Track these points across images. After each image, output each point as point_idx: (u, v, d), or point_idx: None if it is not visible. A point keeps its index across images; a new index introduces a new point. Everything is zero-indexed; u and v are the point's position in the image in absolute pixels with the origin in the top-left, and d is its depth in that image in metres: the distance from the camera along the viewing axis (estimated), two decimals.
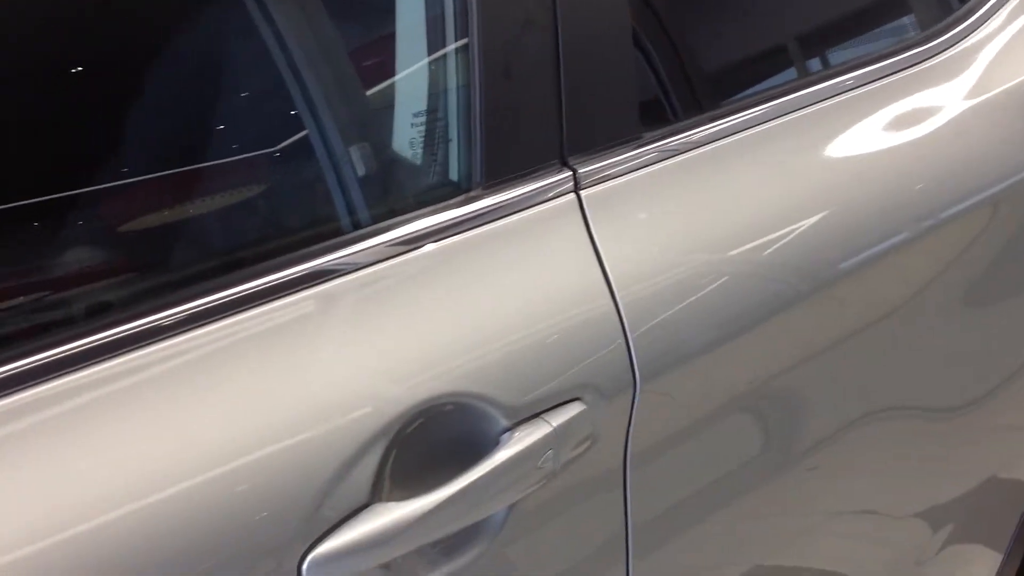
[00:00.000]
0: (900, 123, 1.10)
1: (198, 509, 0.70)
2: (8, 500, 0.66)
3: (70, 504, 0.67)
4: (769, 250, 0.97)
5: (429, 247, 0.83)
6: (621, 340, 0.87)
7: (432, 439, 0.79)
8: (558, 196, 0.89)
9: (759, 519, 1.10)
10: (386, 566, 0.78)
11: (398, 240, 0.82)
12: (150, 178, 0.83)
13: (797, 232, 0.99)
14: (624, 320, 0.87)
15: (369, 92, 0.94)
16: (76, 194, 0.80)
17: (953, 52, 1.16)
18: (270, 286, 0.77)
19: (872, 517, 1.29)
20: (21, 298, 0.77)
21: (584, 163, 0.90)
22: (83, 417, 0.70)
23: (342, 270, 0.80)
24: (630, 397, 0.88)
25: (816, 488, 1.16)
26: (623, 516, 0.92)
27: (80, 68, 0.82)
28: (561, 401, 0.84)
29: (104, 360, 0.71)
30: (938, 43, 1.15)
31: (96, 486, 0.68)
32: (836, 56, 1.17)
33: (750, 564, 1.12)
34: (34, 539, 0.66)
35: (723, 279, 0.94)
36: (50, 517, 0.66)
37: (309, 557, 0.73)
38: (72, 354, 0.71)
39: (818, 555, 1.23)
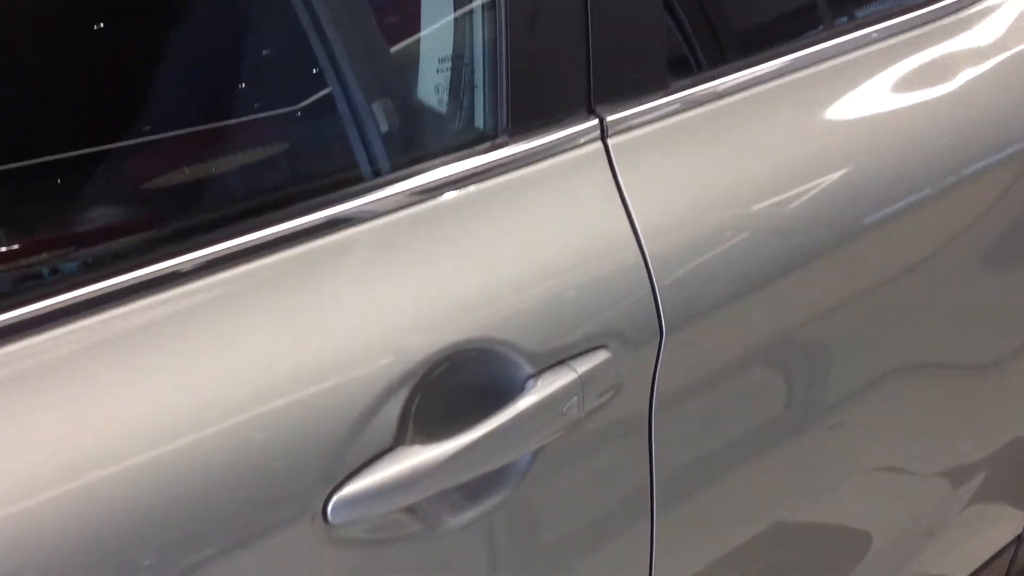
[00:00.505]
0: (926, 76, 1.09)
1: (224, 453, 0.70)
2: (28, 442, 0.66)
3: (92, 449, 0.67)
4: (793, 204, 0.96)
5: (455, 194, 0.83)
6: (647, 290, 0.87)
7: (457, 384, 0.79)
8: (585, 144, 0.88)
9: (781, 475, 1.10)
10: (411, 509, 0.78)
11: (424, 187, 0.82)
12: (169, 125, 0.83)
13: (821, 186, 0.98)
14: (651, 269, 0.87)
15: (394, 38, 0.93)
16: (95, 142, 0.80)
17: (980, 6, 1.14)
18: (293, 232, 0.77)
19: (895, 475, 1.29)
20: (36, 241, 0.77)
21: (611, 111, 0.89)
22: (103, 360, 0.70)
23: (366, 217, 0.79)
24: (656, 346, 0.88)
25: (839, 445, 1.16)
26: (648, 465, 0.92)
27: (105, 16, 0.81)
28: (586, 349, 0.84)
29: (123, 304, 0.71)
30: None
31: (117, 431, 0.68)
32: (862, 8, 1.15)
33: (771, 520, 1.12)
34: (56, 484, 0.66)
35: (748, 231, 0.93)
36: (77, 460, 0.67)
37: (334, 499, 0.73)
38: (91, 297, 0.70)
39: (840, 512, 1.23)
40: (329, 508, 0.73)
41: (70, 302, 0.69)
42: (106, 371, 0.69)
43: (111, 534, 0.66)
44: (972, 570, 1.45)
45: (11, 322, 0.68)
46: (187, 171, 0.83)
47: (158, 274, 0.72)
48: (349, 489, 0.74)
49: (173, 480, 0.68)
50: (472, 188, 0.83)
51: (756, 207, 0.94)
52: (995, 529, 1.49)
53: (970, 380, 1.32)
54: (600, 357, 0.84)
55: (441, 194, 0.82)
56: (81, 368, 0.69)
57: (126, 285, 0.71)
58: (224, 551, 0.70)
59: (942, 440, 1.33)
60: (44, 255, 0.75)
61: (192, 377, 0.71)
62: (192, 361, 0.71)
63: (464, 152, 0.85)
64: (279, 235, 0.76)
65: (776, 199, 0.96)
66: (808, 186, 0.98)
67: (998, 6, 1.16)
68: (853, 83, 1.04)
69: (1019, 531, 1.52)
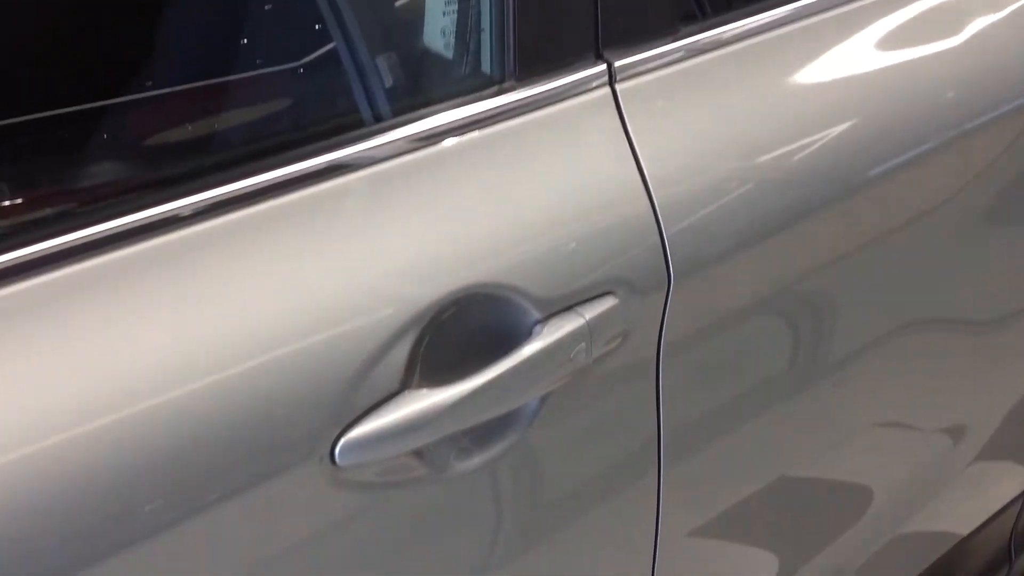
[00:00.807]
0: (935, 26, 1.08)
1: (233, 397, 0.69)
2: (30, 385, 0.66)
3: (97, 392, 0.67)
4: (799, 155, 0.96)
5: (462, 138, 0.82)
6: (656, 238, 0.86)
7: (464, 329, 0.79)
8: (593, 89, 0.87)
9: (785, 429, 1.10)
10: (418, 453, 0.78)
11: (430, 132, 0.81)
12: (167, 70, 0.83)
13: (827, 138, 0.98)
14: (659, 217, 0.86)
15: None
16: (92, 87, 0.79)
17: None
18: (300, 176, 0.76)
19: (899, 431, 1.29)
20: (37, 184, 0.76)
21: (620, 56, 0.88)
22: (110, 303, 0.69)
23: (369, 162, 0.79)
24: (664, 294, 0.87)
25: (842, 400, 1.16)
26: (655, 413, 0.92)
27: None
28: (594, 295, 0.84)
29: (122, 248, 0.70)
30: None
31: (126, 376, 0.67)
32: None
33: (775, 475, 1.12)
34: (54, 431, 0.65)
35: (755, 181, 0.93)
36: (84, 405, 0.66)
37: (342, 441, 0.73)
38: (90, 240, 0.69)
39: (844, 469, 1.23)
40: (337, 450, 0.73)
41: (70, 244, 0.69)
42: (110, 314, 0.69)
43: (120, 478, 0.66)
44: (976, 526, 1.46)
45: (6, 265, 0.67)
46: (185, 116, 0.82)
47: (156, 218, 0.71)
48: (356, 432, 0.74)
49: (183, 424, 0.68)
50: (480, 132, 0.82)
51: (763, 157, 0.94)
52: (999, 486, 1.50)
53: (976, 336, 1.31)
54: (608, 303, 0.84)
55: (447, 139, 0.81)
56: (84, 311, 0.68)
57: (124, 229, 0.70)
58: (234, 493, 0.70)
59: (946, 397, 1.33)
60: (42, 198, 0.75)
61: (199, 322, 0.70)
62: (198, 307, 0.71)
63: (471, 97, 0.84)
64: (284, 179, 0.75)
65: (783, 150, 0.95)
66: (814, 137, 0.97)
67: None
68: (862, 32, 1.03)
69: (1023, 488, 1.53)
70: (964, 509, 1.45)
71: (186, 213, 0.72)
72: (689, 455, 0.98)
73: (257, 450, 0.71)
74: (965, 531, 1.45)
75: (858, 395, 1.17)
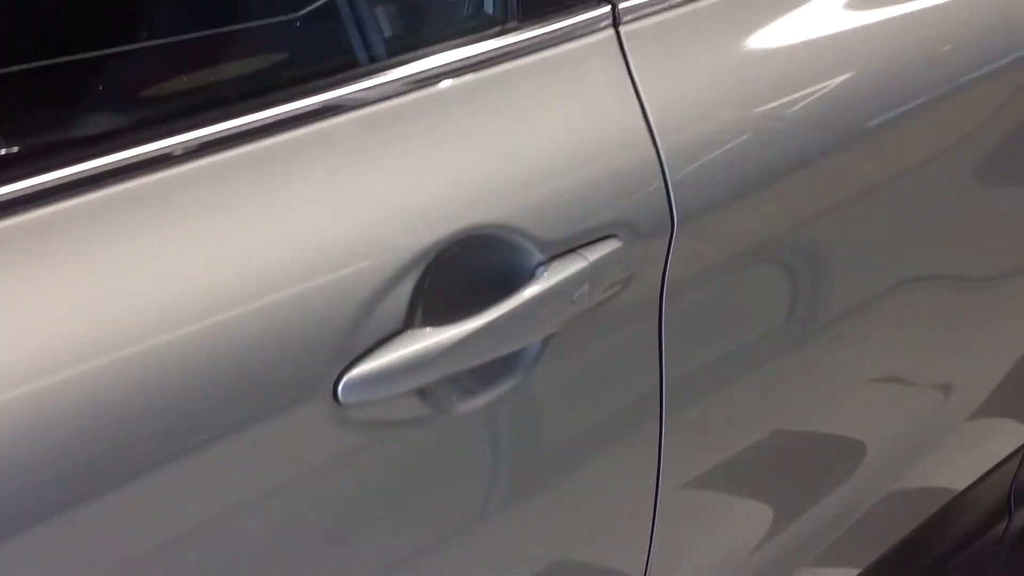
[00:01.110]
0: None
1: (236, 336, 0.69)
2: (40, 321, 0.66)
3: (101, 330, 0.66)
4: (800, 105, 0.95)
5: (465, 78, 0.81)
6: (660, 182, 0.86)
7: (466, 270, 0.79)
8: (597, 31, 0.86)
9: (785, 382, 1.11)
10: (421, 392, 0.77)
11: (433, 72, 0.80)
12: (157, 8, 0.81)
13: (827, 88, 0.97)
14: (663, 160, 0.86)
15: None
16: (87, 23, 0.78)
17: None
18: (298, 115, 0.75)
19: (896, 387, 1.29)
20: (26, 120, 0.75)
21: None
22: (109, 242, 0.68)
23: (374, 100, 0.78)
24: (667, 239, 0.87)
25: (842, 354, 1.16)
26: (658, 359, 0.92)
27: None
28: (597, 238, 0.83)
29: (117, 184, 0.69)
30: None
31: (129, 313, 0.67)
32: None
33: (774, 425, 1.13)
34: (51, 371, 0.64)
35: (756, 130, 0.92)
36: (86, 341, 0.66)
37: (344, 379, 0.73)
38: (92, 175, 0.68)
39: (839, 423, 1.23)
40: (340, 388, 0.73)
41: (66, 180, 0.68)
42: (111, 253, 0.68)
43: (123, 415, 0.66)
44: (973, 480, 1.47)
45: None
46: (180, 55, 0.81)
47: (150, 156, 0.70)
48: (359, 370, 0.73)
49: (186, 363, 0.67)
50: (481, 73, 0.82)
51: (765, 106, 0.93)
52: (997, 441, 1.50)
53: (975, 292, 1.32)
54: (611, 246, 0.83)
55: (449, 79, 0.81)
56: (83, 249, 0.68)
57: (119, 166, 0.69)
58: (238, 429, 0.70)
59: (945, 353, 1.33)
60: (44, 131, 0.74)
61: (198, 263, 0.70)
62: (197, 247, 0.70)
63: (474, 37, 0.83)
64: (291, 115, 0.74)
65: (786, 98, 0.95)
66: (816, 87, 0.97)
67: None
68: None
69: (1018, 445, 1.53)
70: (961, 464, 1.46)
71: (178, 152, 0.71)
72: (690, 402, 0.98)
73: (261, 388, 0.70)
74: (962, 486, 1.46)
75: (855, 348, 1.17)
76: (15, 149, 0.70)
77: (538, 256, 0.81)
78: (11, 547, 0.63)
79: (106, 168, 0.68)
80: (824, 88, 0.97)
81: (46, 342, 0.64)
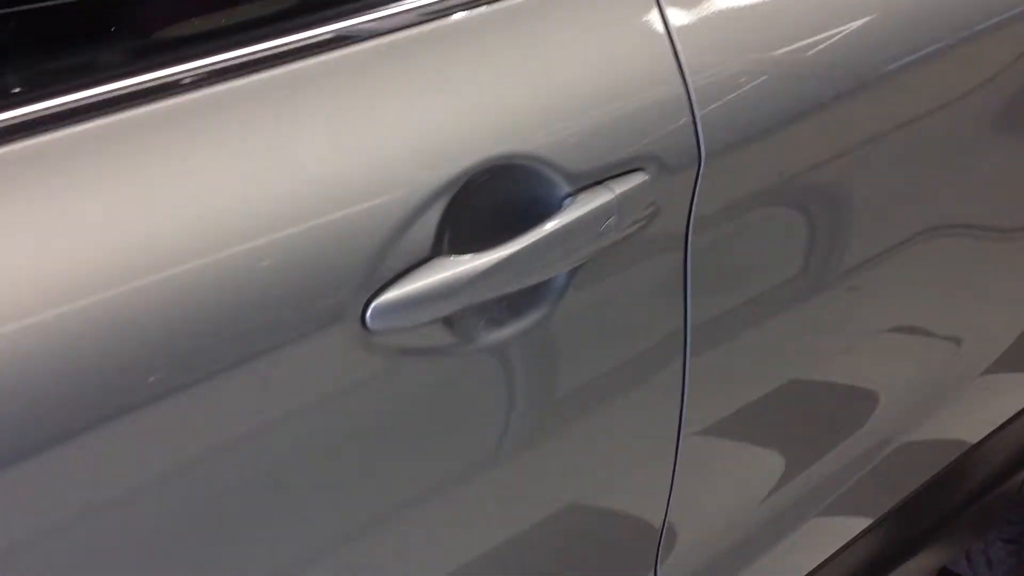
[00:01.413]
0: None
1: (262, 263, 0.69)
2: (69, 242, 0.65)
3: (122, 256, 0.66)
4: (828, 44, 0.95)
5: (497, 7, 0.81)
6: (688, 116, 0.86)
7: (494, 200, 0.78)
8: None
9: (800, 330, 1.11)
10: (448, 321, 0.77)
11: (465, 1, 0.80)
12: None
13: (850, 30, 0.97)
14: (692, 95, 0.85)
15: None
16: None
17: None
18: (325, 40, 0.74)
19: (912, 338, 1.29)
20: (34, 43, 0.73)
21: None
22: (133, 170, 0.68)
23: (406, 26, 0.77)
24: (694, 173, 0.87)
25: (858, 301, 1.16)
26: (682, 294, 0.92)
27: None
28: (624, 171, 0.83)
29: (128, 110, 0.68)
30: None
31: (160, 239, 0.67)
32: None
33: (787, 374, 1.13)
34: (94, 289, 0.64)
35: (788, 65, 0.92)
36: (111, 264, 0.65)
37: (372, 305, 0.73)
38: (107, 99, 0.68)
39: (853, 374, 1.23)
40: (368, 314, 0.73)
41: (89, 102, 0.67)
42: (138, 182, 0.68)
43: (152, 338, 0.66)
44: (986, 434, 1.47)
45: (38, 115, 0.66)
46: None
47: (157, 83, 0.69)
48: (387, 296, 0.73)
49: (218, 286, 0.67)
50: (514, 2, 0.81)
51: (793, 45, 0.93)
52: (1011, 395, 1.50)
53: (995, 243, 1.31)
54: (638, 179, 0.83)
55: (477, 8, 0.80)
56: (115, 166, 0.67)
57: (133, 90, 0.68)
58: (265, 352, 0.70)
59: (960, 306, 1.33)
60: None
61: (223, 191, 0.69)
62: (220, 176, 0.69)
63: None
64: (313, 41, 0.74)
65: (812, 39, 0.94)
66: (841, 29, 0.96)
67: None
68: None
69: None
70: (976, 417, 1.46)
71: (186, 81, 0.70)
72: (713, 343, 0.98)
73: (291, 312, 0.70)
74: (976, 439, 1.46)
75: (871, 296, 1.17)
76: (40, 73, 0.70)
77: (565, 188, 0.81)
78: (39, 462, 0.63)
79: (138, 88, 0.68)
80: (849, 29, 0.97)
81: (83, 261, 0.64)
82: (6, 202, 0.63)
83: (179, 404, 0.67)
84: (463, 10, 0.80)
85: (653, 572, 1.08)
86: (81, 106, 0.67)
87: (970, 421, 1.45)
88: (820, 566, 1.29)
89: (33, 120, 0.65)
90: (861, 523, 1.35)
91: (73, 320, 0.63)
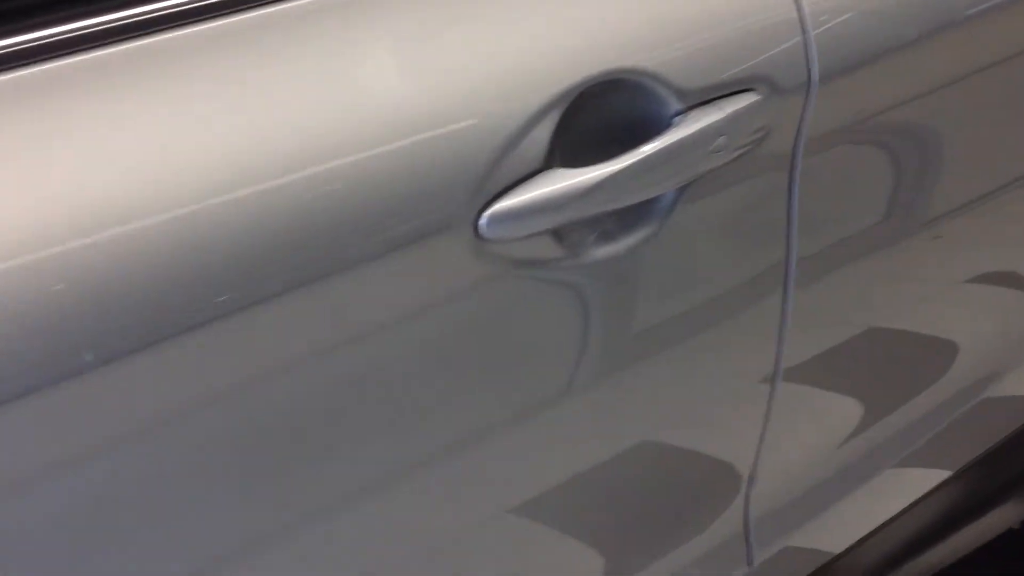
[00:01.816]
0: None
1: (383, 170, 0.69)
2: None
3: (248, 162, 0.66)
4: None
5: None
6: (800, 37, 0.84)
7: (605, 114, 0.77)
8: None
9: (888, 277, 1.09)
10: (557, 234, 0.77)
11: None
12: None
13: None
14: (805, 16, 0.84)
15: None
16: None
17: None
18: None
19: (997, 290, 1.27)
20: None
21: None
22: (252, 68, 0.68)
23: None
24: (804, 96, 0.85)
25: (943, 253, 1.14)
26: (785, 222, 0.90)
27: None
28: (735, 90, 0.82)
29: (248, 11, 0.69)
30: None
31: (270, 148, 0.66)
32: None
33: (868, 325, 1.11)
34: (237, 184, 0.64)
35: None
36: (226, 174, 0.65)
37: (485, 214, 0.73)
38: None
39: (934, 323, 1.21)
40: (480, 222, 0.73)
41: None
42: (262, 80, 0.68)
43: (275, 239, 0.66)
44: None
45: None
46: None
47: None
48: (500, 205, 0.73)
49: (335, 193, 0.68)
50: None
51: None
52: None
53: None
54: (749, 99, 0.82)
55: None
56: (230, 70, 0.67)
57: None
58: (380, 255, 0.70)
59: None
60: None
61: (340, 96, 0.69)
62: (340, 80, 0.70)
63: None
64: None
65: None
66: None
67: None
68: None
69: None
70: None
71: None
72: (811, 277, 0.97)
73: (407, 218, 0.70)
74: None
75: (957, 243, 1.15)
76: None
77: (675, 105, 0.80)
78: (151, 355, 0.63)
79: None
80: None
81: (207, 168, 0.64)
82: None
83: (294, 303, 0.68)
84: None
85: (743, 511, 1.07)
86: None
87: None
88: (897, 515, 1.28)
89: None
90: (940, 475, 1.33)
91: (205, 218, 0.63)
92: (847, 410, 1.16)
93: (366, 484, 0.77)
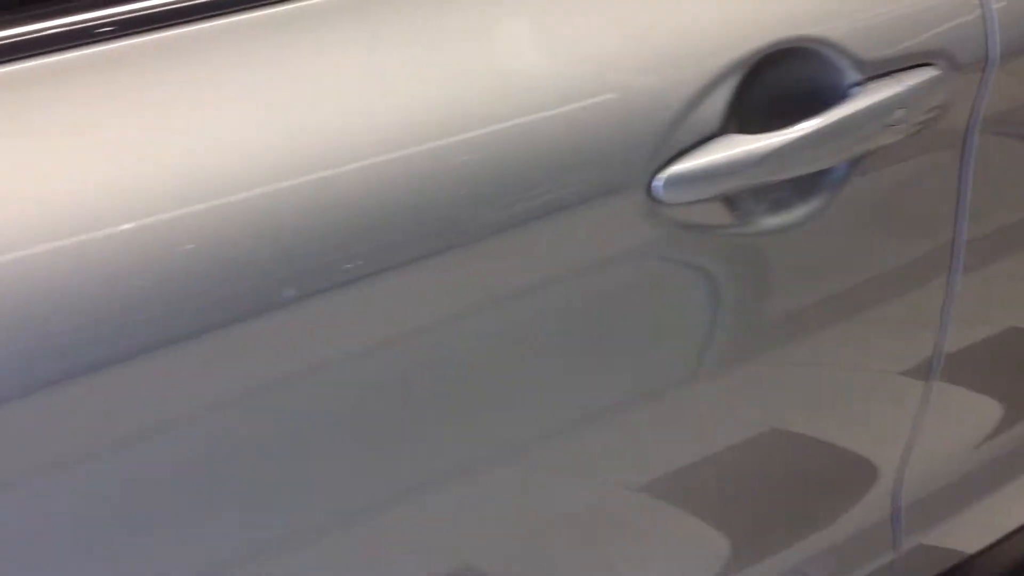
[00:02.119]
0: None
1: (559, 130, 0.69)
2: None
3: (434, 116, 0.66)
4: None
5: None
6: (980, 12, 0.82)
7: (783, 83, 0.77)
8: None
9: None
10: (730, 200, 0.76)
11: None
12: None
13: None
14: None
15: None
16: None
17: None
18: None
19: None
20: None
21: None
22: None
23: None
24: (981, 73, 0.83)
25: None
26: (956, 195, 0.89)
27: None
28: (915, 64, 0.80)
29: None
30: None
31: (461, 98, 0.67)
32: None
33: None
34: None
35: None
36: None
37: (659, 176, 0.72)
38: None
39: None
40: (654, 184, 0.72)
41: None
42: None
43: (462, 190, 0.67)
44: None
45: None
46: None
47: None
48: (675, 168, 0.73)
49: (515, 148, 0.68)
50: None
51: None
52: None
53: None
54: (928, 74, 0.80)
55: None
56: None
57: None
58: (555, 212, 0.70)
59: None
60: None
61: (527, 57, 0.71)
62: (532, 39, 0.71)
63: None
64: None
65: None
66: None
67: None
68: None
69: None
70: None
71: None
72: (977, 263, 0.95)
73: (583, 176, 0.71)
74: None
75: None
76: None
77: (854, 76, 0.78)
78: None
79: None
80: None
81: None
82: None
83: (461, 259, 0.68)
84: None
85: (891, 499, 1.05)
86: None
87: None
88: None
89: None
90: None
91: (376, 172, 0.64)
92: (999, 405, 1.13)
93: (494, 455, 0.77)
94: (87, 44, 0.61)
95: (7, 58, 0.60)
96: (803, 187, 0.79)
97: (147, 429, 0.61)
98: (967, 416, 1.11)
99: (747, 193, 0.77)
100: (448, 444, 0.74)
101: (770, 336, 0.86)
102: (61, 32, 0.61)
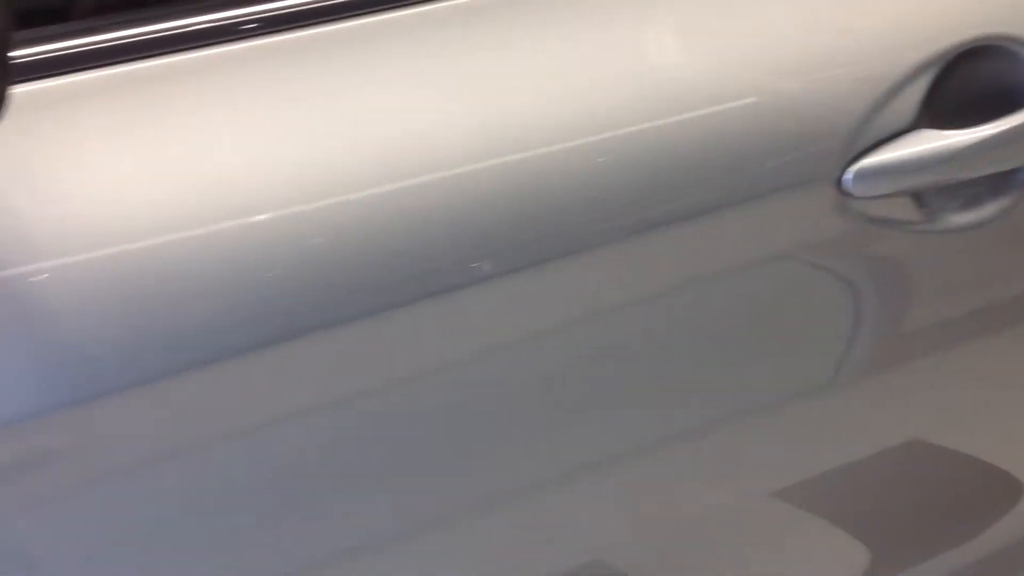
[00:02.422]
0: None
1: (753, 120, 0.70)
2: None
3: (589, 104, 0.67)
4: None
5: None
6: None
7: (978, 79, 0.76)
8: None
9: None
10: (919, 197, 0.76)
11: None
12: None
13: None
14: None
15: None
16: None
17: None
18: None
19: None
20: None
21: None
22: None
23: None
24: None
25: None
26: None
27: None
28: None
29: None
30: None
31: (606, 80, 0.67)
32: None
33: None
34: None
35: None
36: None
37: (852, 168, 0.72)
38: None
39: None
40: (846, 177, 0.72)
41: None
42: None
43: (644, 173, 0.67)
44: None
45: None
46: None
47: None
48: (866, 161, 0.73)
49: (691, 140, 0.68)
50: None
51: None
52: None
53: None
54: None
55: None
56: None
57: None
58: (745, 200, 0.71)
59: None
60: None
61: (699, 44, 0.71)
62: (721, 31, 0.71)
63: None
64: None
65: None
66: None
67: None
68: None
69: None
70: None
71: None
72: None
73: (776, 165, 0.71)
74: None
75: None
76: None
77: None
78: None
79: None
80: None
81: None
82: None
83: (646, 247, 0.69)
84: None
85: None
86: None
87: None
88: None
89: None
90: None
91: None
92: None
93: (620, 452, 0.76)
94: (233, 40, 0.63)
95: (150, 53, 0.61)
96: (991, 187, 0.79)
97: (293, 414, 0.63)
98: None
99: (935, 189, 0.76)
100: (598, 436, 0.74)
101: (938, 337, 0.85)
102: (207, 28, 0.63)
